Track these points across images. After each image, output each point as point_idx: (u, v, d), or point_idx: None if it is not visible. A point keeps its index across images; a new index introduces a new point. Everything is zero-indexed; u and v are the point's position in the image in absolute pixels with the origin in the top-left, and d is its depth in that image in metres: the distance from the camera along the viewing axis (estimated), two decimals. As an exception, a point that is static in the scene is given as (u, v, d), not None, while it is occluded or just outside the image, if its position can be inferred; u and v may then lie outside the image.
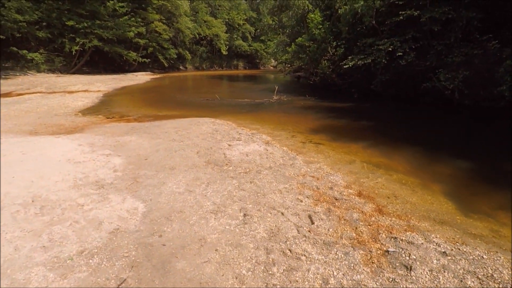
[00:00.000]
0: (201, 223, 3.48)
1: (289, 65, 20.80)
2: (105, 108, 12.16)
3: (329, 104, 14.02)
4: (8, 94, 15.10)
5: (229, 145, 6.51)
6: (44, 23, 28.04)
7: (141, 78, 28.96)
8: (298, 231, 3.41)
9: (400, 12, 12.13)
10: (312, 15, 17.82)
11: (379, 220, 3.74)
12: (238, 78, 34.22)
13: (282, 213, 3.78)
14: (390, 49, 12.58)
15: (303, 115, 11.24)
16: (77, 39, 28.21)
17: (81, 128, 8.16)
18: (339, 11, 14.94)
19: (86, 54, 30.97)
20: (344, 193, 4.49)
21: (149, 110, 12.00)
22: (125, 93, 17.36)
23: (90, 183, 4.41)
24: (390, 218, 3.81)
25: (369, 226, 3.60)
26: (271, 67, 56.42)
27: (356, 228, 3.54)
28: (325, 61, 17.85)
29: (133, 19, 31.27)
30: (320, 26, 17.52)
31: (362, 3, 13.69)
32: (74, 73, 29.94)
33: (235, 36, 48.83)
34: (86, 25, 27.96)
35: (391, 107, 13.58)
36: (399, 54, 12.51)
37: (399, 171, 5.75)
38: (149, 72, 35.93)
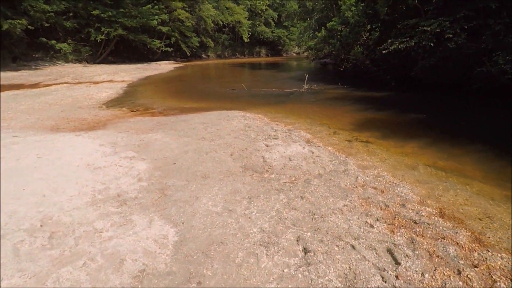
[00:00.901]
0: (250, 263, 2.61)
1: (317, 52, 19.34)
2: (129, 99, 11.51)
3: (364, 93, 12.75)
4: (36, 85, 14.80)
5: (267, 146, 5.59)
6: (71, 13, 27.85)
7: (165, 67, 28.35)
8: (382, 277, 2.47)
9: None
10: (345, -4, 16.33)
11: (486, 258, 2.74)
12: (261, 66, 33.01)
13: (353, 246, 2.85)
14: (438, 30, 11.07)
15: (340, 107, 10.11)
16: (102, 29, 27.88)
17: (104, 123, 7.48)
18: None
19: (111, 43, 30.67)
20: (423, 213, 3.49)
21: (174, 101, 11.24)
22: (149, 83, 16.73)
23: (110, 198, 3.64)
24: (499, 254, 2.80)
25: (476, 269, 2.61)
26: (294, 54, 54.61)
27: (460, 272, 2.56)
28: (358, 46, 16.42)
29: (156, 7, 30.53)
30: (354, 8, 16.04)
31: (404, -20, 12.18)
32: (99, 62, 29.77)
33: (258, 22, 47.19)
34: (110, 14, 27.49)
35: (436, 96, 12.16)
36: (449, 36, 10.99)
37: (475, 178, 4.65)
38: (172, 61, 35.35)
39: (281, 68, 30.36)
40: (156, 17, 30.31)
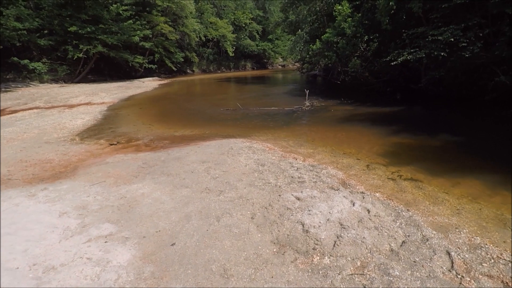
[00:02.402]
0: None
1: (313, 65, 18.06)
2: (109, 127, 9.73)
3: (372, 109, 11.44)
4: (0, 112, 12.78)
5: (298, 199, 4.01)
6: (46, 31, 25.76)
7: (149, 84, 26.48)
8: None
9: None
10: (340, 7, 15.20)
11: None
12: (250, 80, 31.65)
13: None
14: (452, 39, 9.93)
15: (355, 129, 8.68)
16: (81, 46, 25.84)
17: (74, 168, 5.72)
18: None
19: (91, 61, 28.62)
20: None
21: (162, 128, 9.55)
22: (132, 105, 14.92)
23: None
24: None
25: None
26: (280, 66, 53.80)
27: None
28: (355, 58, 15.25)
29: (138, 22, 28.82)
30: (349, 19, 14.91)
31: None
32: (78, 81, 27.61)
33: (242, 36, 46.05)
34: (89, 30, 25.55)
35: (450, 109, 10.99)
36: (463, 44, 9.86)
37: None
38: (156, 78, 33.46)
39: (271, 82, 29.08)
40: (138, 32, 28.54)
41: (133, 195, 4.30)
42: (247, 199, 4.07)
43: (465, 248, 3.04)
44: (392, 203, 4.00)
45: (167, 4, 32.10)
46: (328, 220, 3.42)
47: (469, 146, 6.72)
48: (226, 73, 42.94)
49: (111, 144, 7.60)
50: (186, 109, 13.42)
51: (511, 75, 9.46)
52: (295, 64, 26.22)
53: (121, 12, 27.26)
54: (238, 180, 4.70)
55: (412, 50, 10.99)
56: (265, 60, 51.51)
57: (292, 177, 4.84)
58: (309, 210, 3.62)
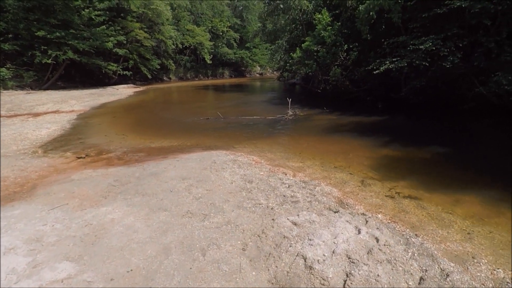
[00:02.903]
0: None
1: (293, 73, 17.78)
2: (78, 138, 8.84)
3: (356, 119, 11.22)
4: (-45, 121, 11.45)
5: (295, 224, 3.50)
6: (11, 35, 24.12)
7: (123, 92, 25.29)
8: None
9: (447, 2, 9.53)
10: (319, 16, 15.10)
11: None
12: (228, 88, 31.11)
13: None
14: (433, 48, 9.92)
15: (342, 140, 8.33)
16: (49, 51, 24.31)
17: (32, 187, 4.92)
18: (359, 8, 12.19)
19: (60, 67, 27.03)
20: None
21: (137, 138, 8.79)
22: (105, 113, 13.94)
23: None
24: None
25: None
26: (257, 75, 53.72)
27: None
28: (336, 67, 15.15)
29: (111, 28, 27.61)
30: (329, 28, 14.82)
31: (389, -3, 11.07)
32: (47, 88, 25.91)
33: (220, 44, 45.55)
34: (59, 35, 24.11)
35: (432, 119, 10.98)
36: (444, 54, 9.89)
37: None
38: (131, 85, 32.13)
39: (249, 90, 28.69)
40: (112, 38, 27.30)
41: (100, 222, 3.61)
42: (236, 225, 3.51)
43: (491, 285, 2.64)
44: (398, 227, 3.58)
45: (143, 10, 31.14)
46: (333, 252, 2.92)
47: (458, 158, 6.52)
48: (204, 81, 42.22)
49: (79, 158, 6.78)
50: (164, 118, 12.66)
51: (489, 86, 9.53)
52: (274, 72, 25.99)
53: (93, 17, 26.02)
54: (225, 201, 4.13)
55: (394, 59, 10.93)
56: (243, 68, 51.23)
57: (284, 196, 4.34)
58: (310, 240, 3.11)
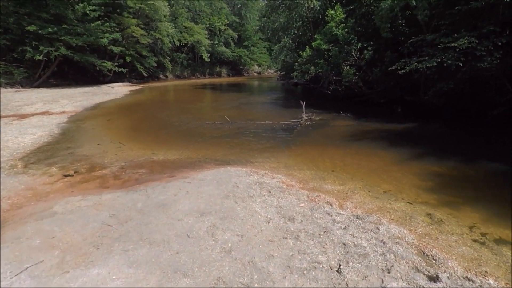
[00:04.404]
0: None
1: (299, 73, 16.51)
2: (67, 147, 7.48)
3: (378, 125, 9.99)
4: None
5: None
6: (0, 30, 22.41)
7: (118, 90, 23.74)
8: None
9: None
10: (332, 12, 13.86)
11: None
12: (227, 88, 29.74)
13: None
14: (469, 46, 8.75)
15: (373, 152, 7.09)
16: (41, 47, 22.65)
17: (2, 221, 3.61)
18: (380, 4, 10.98)
19: (53, 64, 25.36)
20: None
21: (137, 148, 7.46)
22: (98, 115, 12.52)
23: None
24: None
25: None
26: (255, 74, 52.41)
27: None
28: (347, 66, 13.96)
29: (106, 24, 25.97)
30: (343, 25, 13.61)
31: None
32: (38, 86, 24.26)
33: (217, 42, 43.98)
34: (51, 30, 22.47)
35: (460, 124, 9.87)
36: (481, 53, 8.74)
37: None
38: (126, 83, 30.51)
39: (250, 90, 27.36)
40: (107, 35, 25.68)
41: (89, 303, 2.34)
42: (299, 311, 2.27)
43: None
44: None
45: (140, 5, 29.53)
46: None
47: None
48: (201, 79, 40.76)
49: (66, 176, 5.46)
50: (164, 121, 11.31)
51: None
52: (277, 72, 24.78)
53: (88, 12, 24.39)
54: (268, 257, 2.88)
55: (421, 59, 9.75)
56: (240, 67, 49.80)
57: (344, 244, 3.10)
58: None
